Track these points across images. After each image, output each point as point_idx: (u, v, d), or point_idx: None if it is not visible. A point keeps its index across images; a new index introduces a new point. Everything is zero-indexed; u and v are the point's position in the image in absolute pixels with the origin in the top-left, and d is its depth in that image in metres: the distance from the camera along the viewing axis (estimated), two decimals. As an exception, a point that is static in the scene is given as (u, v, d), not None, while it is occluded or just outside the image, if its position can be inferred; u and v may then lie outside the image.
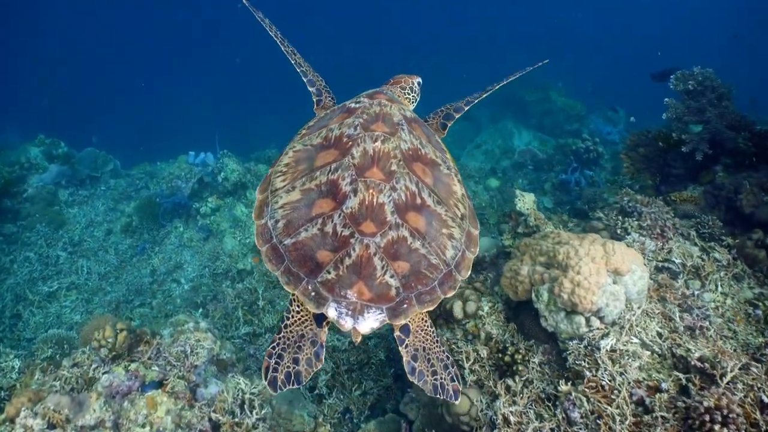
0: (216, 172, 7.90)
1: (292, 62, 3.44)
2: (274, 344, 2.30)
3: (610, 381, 2.96)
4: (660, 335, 3.28)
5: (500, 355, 3.62)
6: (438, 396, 2.38)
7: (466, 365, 3.69)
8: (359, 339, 2.23)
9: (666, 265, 3.95)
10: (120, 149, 14.27)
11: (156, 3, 35.60)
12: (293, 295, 2.31)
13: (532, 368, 3.47)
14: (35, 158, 8.75)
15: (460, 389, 2.46)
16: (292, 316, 2.37)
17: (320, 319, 2.33)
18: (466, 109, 3.42)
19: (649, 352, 3.16)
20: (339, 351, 5.35)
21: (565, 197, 8.78)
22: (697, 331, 3.25)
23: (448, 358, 2.55)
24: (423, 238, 2.32)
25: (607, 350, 3.15)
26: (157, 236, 7.91)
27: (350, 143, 2.48)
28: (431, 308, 2.27)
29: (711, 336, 3.27)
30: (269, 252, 2.31)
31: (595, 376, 3.03)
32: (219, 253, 7.28)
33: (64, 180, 8.79)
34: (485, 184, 9.34)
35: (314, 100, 3.29)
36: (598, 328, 3.28)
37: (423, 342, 2.49)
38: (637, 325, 3.33)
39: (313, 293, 2.16)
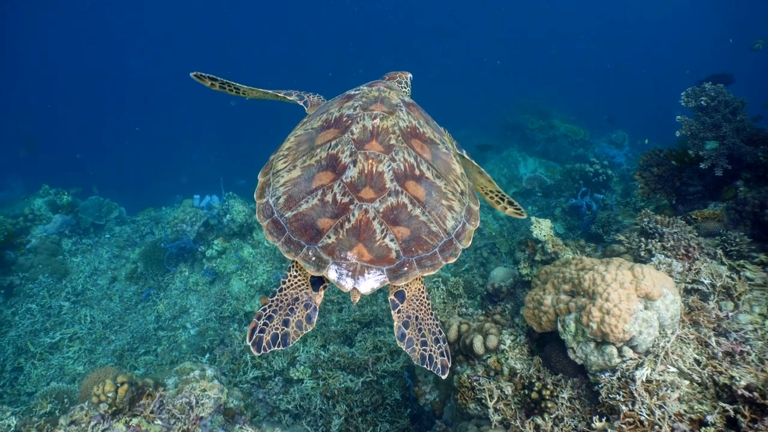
0: (221, 215, 7.79)
1: (261, 96, 3.47)
2: (265, 306, 2.28)
3: (648, 415, 2.72)
4: (698, 362, 3.05)
5: (526, 392, 3.38)
6: (425, 367, 2.34)
7: (490, 404, 3.44)
8: (357, 299, 2.16)
9: (695, 286, 3.73)
10: (126, 195, 14.34)
11: (149, 51, 36.39)
12: (293, 262, 2.34)
13: (562, 404, 3.23)
14: (39, 209, 8.71)
15: (449, 366, 2.40)
16: (289, 280, 2.36)
17: (317, 283, 2.34)
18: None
19: (688, 382, 2.92)
20: (352, 392, 5.09)
21: (577, 222, 8.59)
22: (737, 357, 3.00)
23: (440, 332, 2.49)
24: (423, 206, 2.33)
25: (642, 381, 2.92)
26: (162, 282, 7.73)
27: (350, 122, 2.54)
28: (432, 273, 2.25)
29: (753, 361, 3.02)
30: (270, 226, 2.32)
31: (632, 410, 2.79)
32: (226, 296, 7.09)
33: (68, 229, 8.70)
34: (494, 212, 9.17)
35: (301, 104, 3.32)
36: (631, 358, 3.05)
37: (416, 311, 2.46)
38: (672, 353, 3.10)
39: (313, 258, 2.17)
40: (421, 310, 2.48)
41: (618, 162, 11.35)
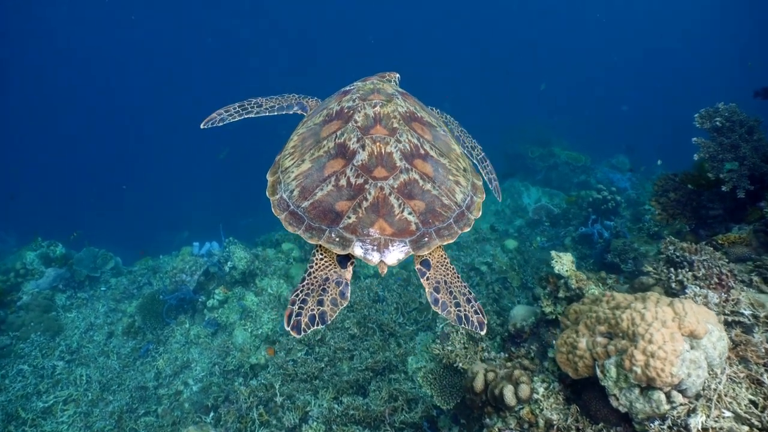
0: (222, 262, 7.48)
1: (270, 113, 3.52)
2: (297, 292, 2.28)
3: (709, 467, 2.45)
4: (754, 404, 2.77)
5: (567, 447, 3.06)
6: (462, 326, 2.39)
7: (528, 462, 3.12)
8: (385, 270, 2.24)
9: (735, 318, 3.46)
10: (123, 244, 14.05)
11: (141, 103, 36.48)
12: (317, 246, 2.39)
13: (606, 458, 2.92)
14: (31, 263, 8.38)
15: (485, 322, 2.45)
16: (316, 263, 2.39)
17: (344, 261, 2.37)
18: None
19: (747, 428, 2.64)
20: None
21: (588, 250, 8.35)
22: (797, 395, 2.74)
23: (470, 293, 2.52)
24: (432, 182, 2.42)
25: (698, 430, 2.63)
26: (161, 335, 7.35)
27: (351, 112, 2.65)
28: (451, 241, 2.33)
29: (815, 399, 2.75)
30: (288, 217, 2.37)
31: (689, 462, 2.50)
32: (229, 348, 6.72)
33: (62, 283, 8.35)
34: (502, 245, 8.92)
35: (301, 113, 3.42)
36: (681, 404, 2.76)
37: (444, 276, 2.51)
38: (725, 395, 2.82)
39: (337, 238, 2.21)
40: (447, 275, 2.53)
41: (623, 187, 11.19)
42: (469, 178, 2.69)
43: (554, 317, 4.48)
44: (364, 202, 2.26)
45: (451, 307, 2.41)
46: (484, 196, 2.68)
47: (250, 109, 3.48)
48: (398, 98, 2.85)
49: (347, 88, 3.03)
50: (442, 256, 2.56)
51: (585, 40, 43.46)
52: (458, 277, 2.56)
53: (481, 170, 3.54)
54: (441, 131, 2.86)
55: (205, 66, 38.53)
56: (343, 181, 2.34)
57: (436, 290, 2.43)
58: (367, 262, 2.15)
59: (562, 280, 4.52)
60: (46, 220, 16.95)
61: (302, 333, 2.15)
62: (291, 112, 3.44)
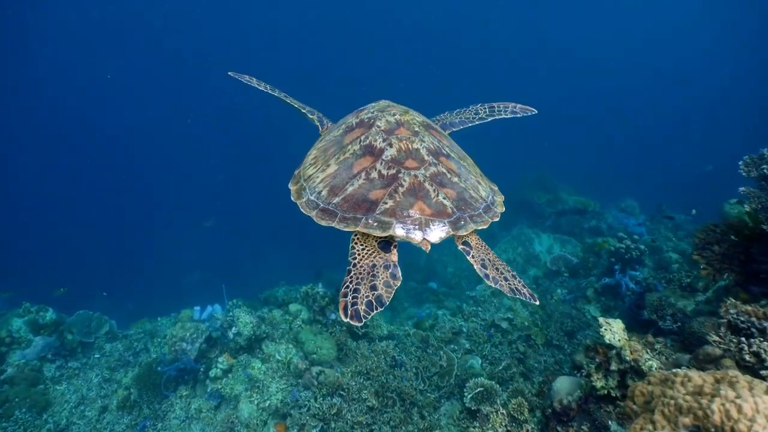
0: (226, 327, 6.92)
1: (289, 102, 3.63)
2: (346, 284, 2.25)
3: None
4: None
5: None
6: (516, 296, 2.45)
7: None
8: (429, 248, 2.31)
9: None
10: (117, 305, 13.47)
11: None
12: (354, 236, 2.43)
13: None
14: (18, 331, 7.73)
15: (536, 296, 2.51)
16: (358, 253, 2.38)
17: (386, 246, 2.40)
18: (460, 127, 3.61)
19: None
20: None
21: (612, 302, 7.91)
22: None
23: (512, 270, 2.59)
24: (458, 176, 2.56)
25: None
26: (159, 410, 6.66)
27: (372, 120, 2.78)
28: (484, 227, 2.43)
29: None
30: (319, 214, 2.43)
31: None
32: (234, 423, 6.08)
33: (51, 353, 7.65)
34: (523, 300, 8.43)
35: (317, 125, 3.55)
36: None
37: (486, 255, 2.57)
38: None
39: (375, 223, 2.27)
40: (489, 255, 2.60)
41: (638, 232, 10.82)
42: (486, 180, 2.88)
43: (606, 392, 3.99)
44: (400, 188, 2.36)
45: (501, 281, 2.48)
46: (503, 197, 2.81)
47: (278, 92, 3.64)
48: (414, 111, 3.04)
49: (362, 108, 3.15)
50: (479, 239, 2.63)
51: (577, 77, 44.00)
52: (498, 257, 2.64)
53: (498, 113, 3.67)
54: (454, 142, 3.07)
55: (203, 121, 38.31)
56: (374, 174, 2.44)
57: (484, 266, 2.50)
58: (410, 240, 2.27)
59: (614, 351, 4.05)
60: (37, 275, 16.34)
61: (363, 320, 2.12)
62: (309, 117, 3.58)
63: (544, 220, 12.90)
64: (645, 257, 8.19)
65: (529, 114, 3.75)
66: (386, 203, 2.32)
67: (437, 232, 2.28)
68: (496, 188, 2.91)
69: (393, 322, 9.28)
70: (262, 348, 6.74)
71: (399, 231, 2.25)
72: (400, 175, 2.41)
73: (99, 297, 15.42)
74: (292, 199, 2.68)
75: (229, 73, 3.64)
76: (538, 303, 2.54)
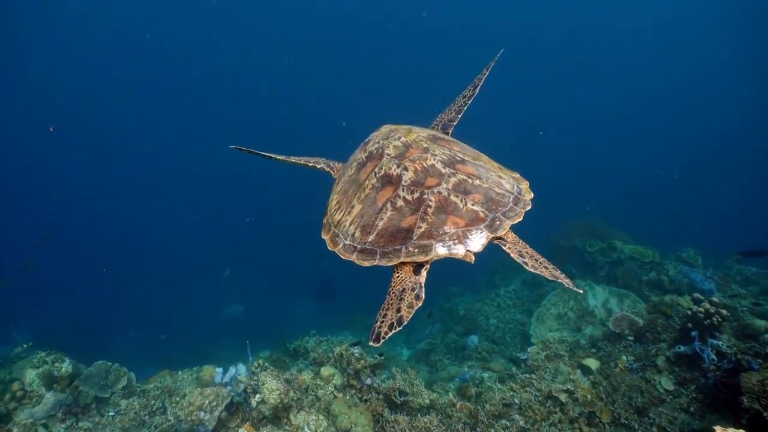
0: (249, 393, 6.17)
1: (292, 162, 3.54)
2: (381, 310, 2.33)
3: None
4: None
5: None
6: (555, 280, 2.41)
7: None
8: (473, 259, 2.32)
9: None
10: (136, 354, 12.99)
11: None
12: (395, 267, 2.47)
13: None
14: (30, 384, 7.17)
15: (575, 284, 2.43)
16: (394, 281, 2.44)
17: (418, 269, 2.43)
18: (459, 117, 3.55)
19: None
20: None
21: (688, 374, 6.85)
22: None
23: (547, 261, 2.52)
24: (479, 178, 2.58)
25: None
26: (171, 486, 5.96)
27: (381, 149, 2.79)
28: (518, 220, 2.45)
29: None
30: (359, 256, 2.46)
31: None
32: None
33: (62, 411, 7.02)
34: (581, 365, 7.45)
35: (328, 171, 3.50)
36: None
37: (523, 248, 2.53)
38: None
39: (416, 249, 2.32)
40: (526, 248, 2.54)
41: (707, 288, 9.70)
42: (506, 171, 2.87)
43: None
44: (429, 208, 2.38)
45: (541, 268, 2.44)
46: (528, 182, 2.80)
47: (278, 158, 3.51)
48: (416, 128, 3.09)
49: (366, 139, 3.12)
50: (515, 236, 2.58)
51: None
52: (538, 254, 2.56)
53: (479, 80, 3.65)
54: (465, 145, 3.05)
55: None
56: (399, 202, 2.46)
57: (521, 255, 2.47)
58: (453, 256, 2.29)
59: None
60: (58, 317, 16.11)
61: (381, 341, 2.18)
62: (318, 167, 3.53)
63: (597, 270, 11.85)
64: (726, 323, 7.12)
65: (498, 56, 3.70)
66: (420, 227, 2.34)
67: (477, 241, 2.32)
68: (518, 175, 2.89)
69: (433, 383, 8.39)
70: (290, 418, 5.94)
71: (441, 250, 2.29)
72: (425, 196, 2.42)
73: (120, 341, 15.04)
74: (330, 248, 2.67)
75: (231, 146, 3.56)
76: (582, 292, 2.61)
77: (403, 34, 44.28)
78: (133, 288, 21.58)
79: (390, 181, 2.55)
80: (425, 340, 11.76)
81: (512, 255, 2.48)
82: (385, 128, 3.15)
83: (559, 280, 2.41)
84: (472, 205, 2.41)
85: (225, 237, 28.32)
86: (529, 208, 2.57)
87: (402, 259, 2.33)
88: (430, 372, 10.39)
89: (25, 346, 9.01)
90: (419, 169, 2.53)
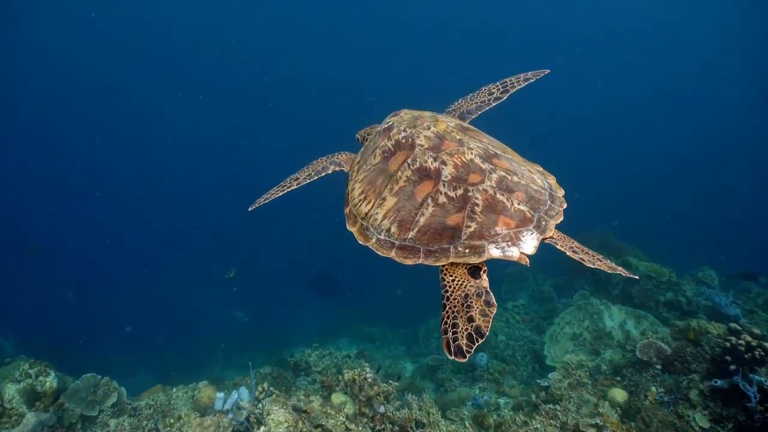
0: (253, 422, 5.58)
1: (305, 183, 3.35)
2: (444, 319, 2.23)
3: None
4: None
5: None
6: (613, 272, 2.39)
7: None
8: (527, 261, 2.28)
9: None
10: (128, 357, 12.39)
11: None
12: (442, 268, 2.38)
13: None
14: (11, 401, 6.52)
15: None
16: (449, 285, 2.34)
17: (476, 272, 2.34)
18: (478, 113, 3.43)
19: None
20: None
21: (725, 411, 6.39)
22: None
23: (598, 255, 2.49)
24: (515, 174, 2.50)
25: None
26: None
27: (410, 139, 2.66)
28: (560, 219, 2.42)
29: None
30: (400, 253, 2.39)
31: None
32: None
33: None
34: (607, 396, 6.96)
35: (339, 170, 3.30)
36: None
37: (572, 243, 2.50)
38: None
39: (467, 250, 2.24)
40: (574, 243, 2.50)
41: (732, 314, 9.28)
42: (531, 165, 2.80)
43: None
44: (476, 207, 2.30)
45: (597, 261, 2.40)
46: (554, 177, 2.77)
47: (289, 185, 3.33)
48: (441, 116, 2.99)
49: (384, 126, 2.98)
50: (558, 232, 2.51)
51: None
52: (586, 248, 2.52)
53: (511, 86, 3.50)
54: (488, 135, 2.96)
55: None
56: (442, 198, 2.37)
57: (575, 252, 2.43)
58: (508, 259, 2.23)
59: None
60: (47, 322, 15.37)
61: (466, 355, 2.07)
62: (329, 172, 3.32)
63: (610, 287, 11.36)
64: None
65: (542, 76, 3.52)
66: (469, 227, 2.27)
67: (530, 242, 2.27)
68: (541, 168, 2.85)
69: (444, 406, 7.87)
70: (298, 452, 5.38)
71: (495, 252, 2.23)
72: (470, 193, 2.34)
73: (111, 343, 14.38)
74: (360, 242, 2.60)
75: (249, 209, 3.36)
76: (638, 278, 2.54)
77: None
78: (128, 291, 20.85)
79: (428, 175, 2.46)
80: (431, 355, 11.25)
81: (567, 253, 2.43)
82: (405, 114, 2.99)
83: (618, 272, 2.41)
84: (518, 204, 2.35)
85: (225, 237, 27.49)
86: (565, 206, 2.52)
87: (451, 260, 2.27)
88: (438, 391, 9.89)
89: None
90: (459, 164, 2.44)
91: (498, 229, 2.25)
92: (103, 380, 7.42)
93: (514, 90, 3.50)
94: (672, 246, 16.99)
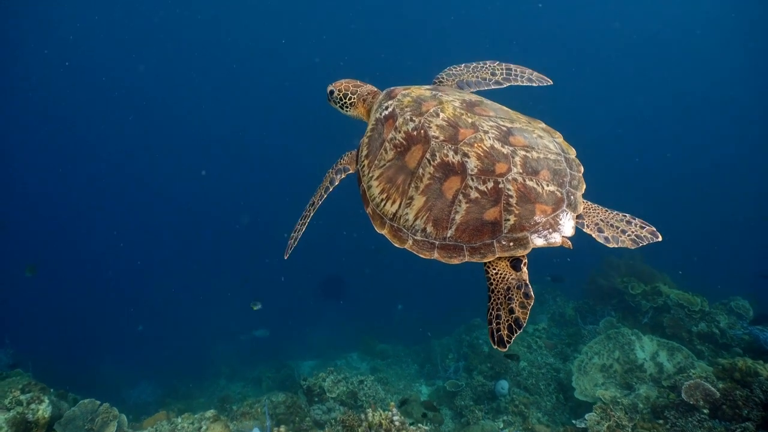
0: (273, 473, 5.07)
1: (321, 202, 3.24)
2: (490, 311, 2.31)
3: None
4: None
5: None
6: (640, 244, 2.41)
7: None
8: (569, 244, 2.30)
9: None
10: (130, 371, 11.84)
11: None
12: (486, 267, 2.40)
13: None
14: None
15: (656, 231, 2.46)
16: (493, 278, 2.38)
17: (517, 264, 2.37)
18: (473, 89, 3.34)
19: None
20: None
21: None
22: None
23: (625, 214, 2.55)
24: (532, 149, 2.47)
25: None
26: None
27: (422, 131, 2.57)
28: (584, 187, 2.45)
29: None
30: (443, 253, 2.39)
31: None
32: None
33: None
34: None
35: (345, 175, 3.18)
36: None
37: (597, 215, 2.53)
38: None
39: (511, 243, 2.26)
40: (599, 213, 2.53)
41: (777, 352, 8.68)
42: (535, 123, 2.79)
43: None
44: (510, 198, 2.28)
45: (621, 236, 2.43)
46: (560, 134, 2.75)
47: (309, 213, 3.25)
48: (443, 94, 2.82)
49: (384, 111, 2.87)
50: (585, 202, 2.53)
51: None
52: (607, 210, 2.56)
53: (514, 78, 3.39)
54: (487, 101, 2.85)
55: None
56: (473, 194, 2.34)
57: (600, 230, 2.46)
58: (551, 245, 2.25)
59: None
60: (46, 329, 14.82)
61: (507, 345, 2.17)
62: (337, 183, 3.20)
63: (638, 315, 10.79)
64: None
65: (544, 84, 3.39)
66: (508, 219, 2.26)
67: (568, 224, 2.29)
68: (544, 125, 2.81)
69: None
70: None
71: (539, 241, 2.24)
72: (501, 185, 2.30)
73: (109, 359, 13.79)
74: (396, 245, 2.55)
75: (285, 257, 3.22)
76: (660, 239, 2.45)
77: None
78: (132, 297, 20.30)
79: (453, 171, 2.40)
80: (449, 380, 10.67)
81: (593, 235, 2.45)
82: (403, 97, 2.86)
83: (643, 244, 2.42)
84: (548, 185, 2.34)
85: (233, 246, 26.69)
86: (582, 169, 2.51)
87: (497, 255, 2.27)
88: (458, 420, 9.32)
89: None
90: (481, 154, 2.38)
91: (537, 217, 2.25)
92: (102, 407, 6.85)
93: (514, 83, 3.42)
94: (695, 268, 16.39)
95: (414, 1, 41.53)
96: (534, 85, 3.42)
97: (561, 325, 12.30)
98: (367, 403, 8.66)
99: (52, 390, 7.27)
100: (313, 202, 3.24)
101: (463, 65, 3.46)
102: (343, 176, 3.19)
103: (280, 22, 40.23)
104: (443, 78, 3.42)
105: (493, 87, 3.39)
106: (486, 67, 3.43)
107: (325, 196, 3.22)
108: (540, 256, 2.64)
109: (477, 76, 3.39)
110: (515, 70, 3.42)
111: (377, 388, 9.19)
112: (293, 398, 8.14)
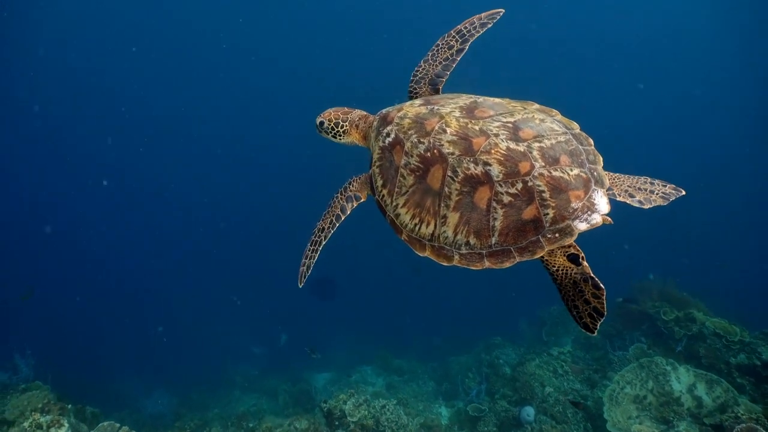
0: None
1: (333, 231, 3.16)
2: (566, 304, 2.40)
3: None
4: None
5: None
6: (670, 199, 2.54)
7: None
8: (610, 220, 2.35)
9: None
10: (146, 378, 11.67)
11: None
12: (544, 263, 2.48)
13: None
14: (20, 458, 5.77)
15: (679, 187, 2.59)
16: (555, 275, 2.45)
17: (575, 258, 2.39)
18: (447, 74, 3.33)
19: None
20: None
21: None
22: None
23: (647, 178, 2.65)
24: (542, 137, 2.49)
25: None
26: None
27: (435, 151, 2.58)
28: (601, 160, 2.50)
29: None
30: (492, 260, 2.41)
31: None
32: None
33: None
34: None
35: (357, 203, 3.16)
36: None
37: (623, 183, 2.63)
38: None
39: (557, 234, 2.30)
40: (624, 181, 2.64)
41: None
42: (530, 106, 2.79)
43: None
44: (543, 193, 2.32)
45: (651, 196, 2.56)
46: (556, 110, 2.78)
47: (319, 240, 3.14)
48: (439, 106, 2.79)
49: (387, 139, 2.83)
50: (610, 175, 2.62)
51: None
52: (629, 176, 2.66)
53: (470, 35, 3.32)
54: (482, 98, 2.85)
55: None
56: (506, 198, 2.36)
57: (632, 195, 2.56)
58: (593, 227, 2.30)
59: None
60: (66, 338, 14.72)
61: (595, 330, 2.28)
62: (349, 212, 3.13)
63: (671, 342, 10.37)
64: None
65: (497, 18, 3.30)
66: (547, 213, 2.30)
67: (603, 201, 2.35)
68: (538, 105, 2.83)
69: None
70: None
71: (582, 226, 2.29)
72: (530, 183, 2.33)
73: (127, 366, 13.68)
74: (443, 263, 2.56)
75: (300, 286, 3.15)
76: (683, 192, 2.56)
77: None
78: (149, 305, 20.15)
79: (479, 182, 2.43)
80: (471, 404, 10.33)
81: (628, 202, 2.55)
82: (401, 119, 2.83)
83: (674, 193, 2.57)
84: (572, 170, 2.37)
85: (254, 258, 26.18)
86: (592, 141, 2.57)
87: (547, 248, 2.29)
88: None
89: None
90: (501, 159, 2.40)
91: (573, 204, 2.30)
92: (122, 429, 6.64)
93: (473, 38, 3.32)
94: (728, 295, 15.84)
95: (414, 2, 40.94)
96: (489, 25, 3.33)
97: (586, 348, 11.90)
98: (390, 429, 8.39)
99: (70, 406, 7.14)
100: (323, 228, 3.15)
101: (422, 63, 3.37)
102: (354, 204, 3.14)
103: (281, 23, 40.03)
104: (416, 87, 3.34)
105: (458, 58, 3.33)
106: (441, 47, 3.35)
107: (337, 224, 3.15)
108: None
109: (439, 61, 3.33)
110: (465, 28, 3.35)
111: (399, 412, 8.90)
112: (315, 426, 7.89)
